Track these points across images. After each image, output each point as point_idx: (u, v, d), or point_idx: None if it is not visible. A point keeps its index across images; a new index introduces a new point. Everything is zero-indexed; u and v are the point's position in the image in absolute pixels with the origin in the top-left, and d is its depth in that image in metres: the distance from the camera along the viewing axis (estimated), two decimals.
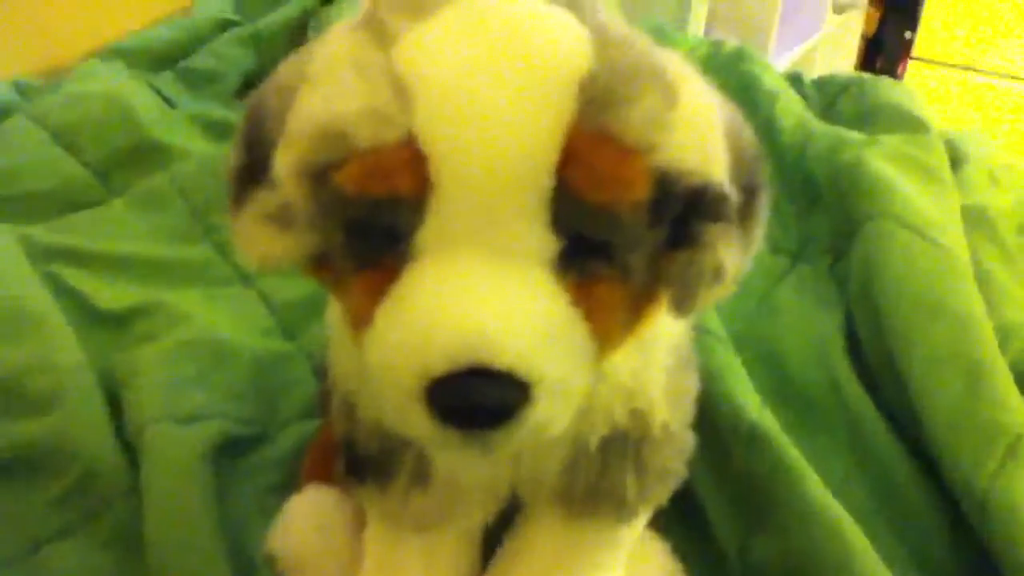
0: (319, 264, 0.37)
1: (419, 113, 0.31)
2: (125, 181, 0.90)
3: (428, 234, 0.33)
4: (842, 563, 0.52)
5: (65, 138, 0.91)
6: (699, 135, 0.34)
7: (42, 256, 0.78)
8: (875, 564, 0.52)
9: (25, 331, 0.68)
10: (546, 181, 0.32)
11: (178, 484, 0.58)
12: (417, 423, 0.33)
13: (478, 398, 0.32)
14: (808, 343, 0.72)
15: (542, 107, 0.31)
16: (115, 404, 0.65)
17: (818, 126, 0.93)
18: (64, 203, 0.86)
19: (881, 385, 0.67)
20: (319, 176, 0.33)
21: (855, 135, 0.88)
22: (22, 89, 0.99)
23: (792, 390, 0.68)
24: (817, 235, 0.84)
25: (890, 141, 0.85)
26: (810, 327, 0.74)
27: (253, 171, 0.36)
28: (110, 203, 0.88)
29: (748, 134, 0.38)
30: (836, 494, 0.56)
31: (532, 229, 0.33)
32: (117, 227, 0.85)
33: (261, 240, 0.36)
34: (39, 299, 0.72)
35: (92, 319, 0.74)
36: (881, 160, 0.81)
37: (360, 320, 0.35)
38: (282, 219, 0.35)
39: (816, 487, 0.56)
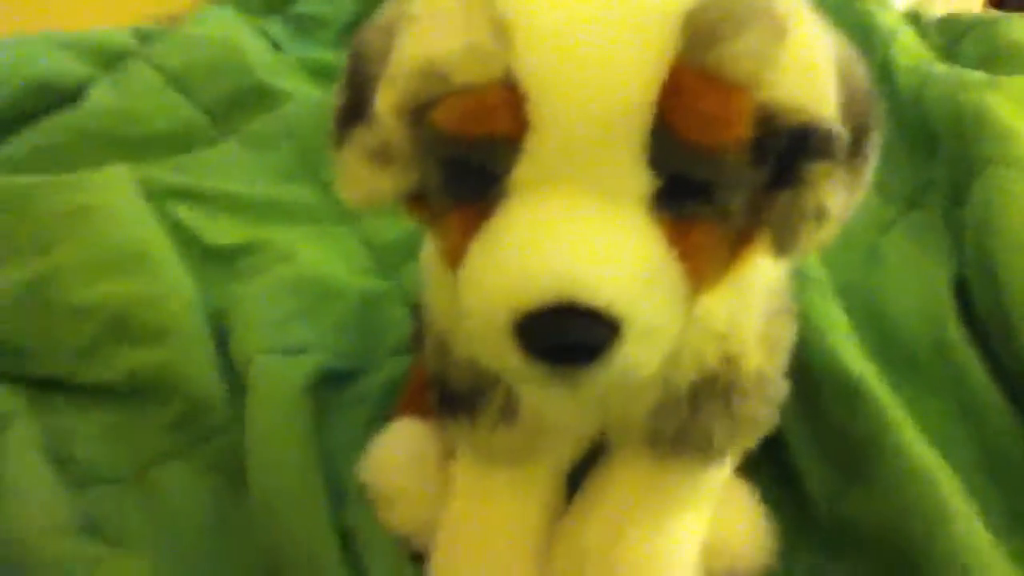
0: (418, 201, 0.38)
1: (518, 52, 0.31)
2: (236, 123, 0.93)
3: (524, 172, 0.33)
4: (938, 518, 0.51)
5: (180, 81, 0.94)
6: (808, 72, 0.33)
7: (157, 194, 0.81)
8: (975, 527, 0.51)
9: (139, 266, 0.72)
10: (645, 119, 0.31)
11: (280, 413, 0.60)
12: (507, 358, 0.34)
13: (568, 335, 0.32)
14: (917, 297, 0.69)
15: (643, 43, 0.31)
16: (223, 336, 0.69)
17: (937, 67, 0.88)
18: (179, 143, 0.90)
19: (994, 343, 0.64)
20: (418, 114, 0.34)
21: (977, 76, 0.83)
22: (140, 34, 1.03)
23: (896, 344, 0.66)
24: (933, 181, 0.80)
25: (1016, 83, 0.79)
26: (920, 280, 0.70)
27: (356, 109, 0.37)
28: (221, 144, 0.91)
29: (861, 71, 0.37)
30: (938, 451, 0.54)
31: (629, 168, 0.32)
32: (228, 167, 0.88)
33: (362, 177, 0.37)
34: (153, 236, 0.75)
35: (203, 254, 0.77)
36: (1005, 103, 0.76)
37: (455, 256, 0.36)
38: (382, 157, 0.36)
39: (918, 445, 0.54)
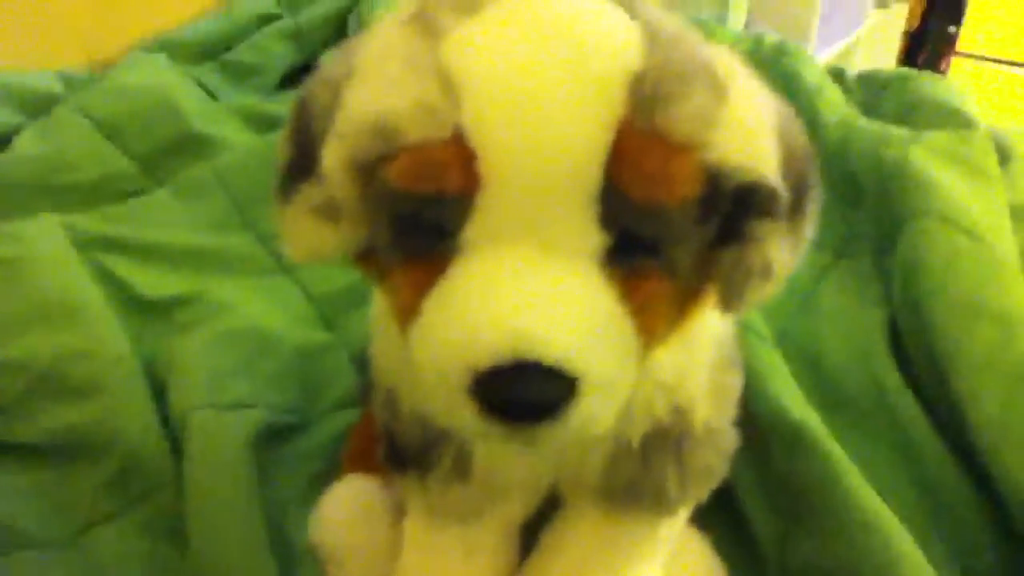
0: (365, 257, 0.38)
1: (468, 109, 0.31)
2: (168, 172, 0.90)
3: (476, 229, 0.33)
4: (887, 566, 0.52)
5: (110, 129, 0.92)
6: (749, 132, 0.34)
7: (87, 245, 0.79)
8: (922, 568, 0.52)
9: (70, 319, 0.69)
10: (595, 178, 0.32)
11: (220, 471, 0.58)
12: (462, 416, 0.33)
13: (524, 392, 0.32)
14: (851, 342, 0.71)
15: (592, 104, 0.31)
16: (159, 392, 0.66)
17: (861, 122, 0.92)
18: (109, 193, 0.87)
19: (926, 386, 0.66)
20: (368, 171, 0.33)
21: (899, 131, 0.86)
22: (67, 80, 1.00)
23: (835, 390, 0.68)
24: (860, 232, 0.83)
25: (935, 137, 0.83)
26: (853, 326, 0.73)
27: (301, 165, 0.36)
28: (154, 193, 0.88)
29: (799, 131, 0.38)
30: (881, 495, 0.55)
31: (580, 225, 0.33)
32: (160, 217, 0.85)
33: (308, 233, 0.37)
34: (84, 287, 0.73)
35: (136, 307, 0.75)
36: (926, 157, 0.79)
37: (406, 313, 0.35)
38: (329, 212, 0.36)
39: (860, 488, 0.56)
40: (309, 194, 0.36)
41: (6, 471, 0.63)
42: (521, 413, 0.33)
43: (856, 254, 0.82)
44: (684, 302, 0.37)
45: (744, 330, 0.64)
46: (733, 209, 0.34)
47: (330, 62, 0.37)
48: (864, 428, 0.64)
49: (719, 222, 0.35)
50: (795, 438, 0.58)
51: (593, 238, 0.33)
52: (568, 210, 0.32)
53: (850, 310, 0.74)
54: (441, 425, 0.39)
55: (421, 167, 0.32)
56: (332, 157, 0.34)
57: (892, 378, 0.66)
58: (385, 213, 0.34)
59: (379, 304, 0.45)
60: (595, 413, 0.34)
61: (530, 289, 0.32)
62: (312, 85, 0.37)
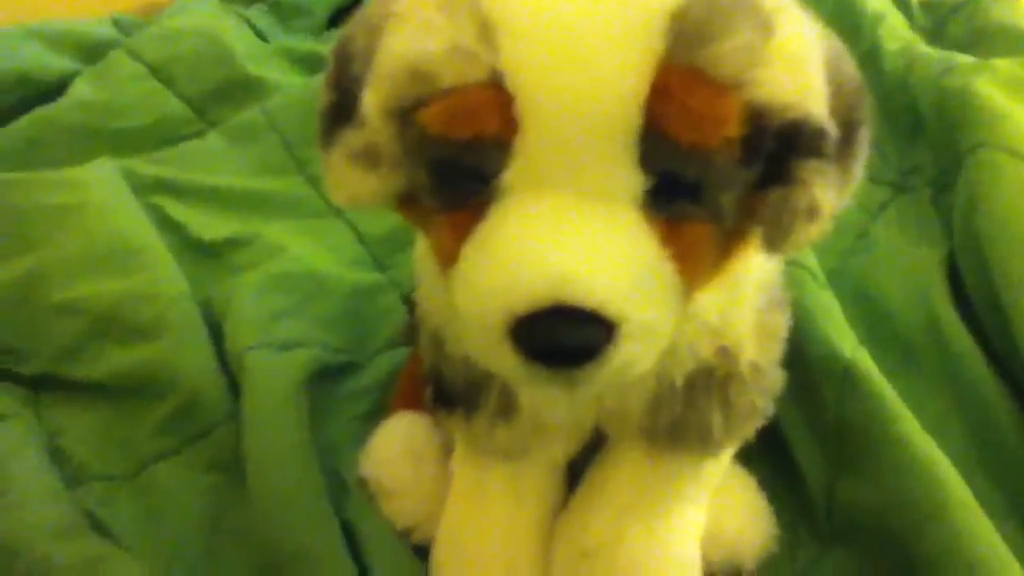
0: (407, 202, 0.38)
1: (505, 51, 0.31)
2: (220, 114, 0.92)
3: (514, 174, 0.33)
4: (937, 508, 0.51)
5: (162, 72, 0.93)
6: (796, 69, 0.33)
7: (144, 188, 0.80)
8: (972, 510, 0.51)
9: (130, 261, 0.71)
10: (635, 119, 0.31)
11: (275, 409, 0.60)
12: (503, 360, 0.34)
13: (563, 337, 0.32)
14: (907, 280, 0.69)
15: (631, 42, 0.31)
16: (216, 332, 0.68)
17: (924, 50, 0.88)
18: (163, 136, 0.89)
19: (984, 324, 0.64)
20: (405, 116, 0.33)
21: (964, 59, 0.82)
22: (121, 25, 1.02)
23: (889, 330, 0.66)
24: (920, 165, 0.79)
25: (1003, 65, 0.79)
26: (910, 263, 0.71)
27: (342, 110, 0.36)
28: (206, 136, 0.90)
29: (850, 66, 0.37)
30: (933, 437, 0.55)
31: (620, 168, 0.32)
32: (213, 160, 0.87)
33: (350, 178, 0.37)
34: (143, 230, 0.75)
35: (192, 250, 0.77)
36: (992, 85, 0.76)
37: (447, 258, 0.36)
38: (370, 158, 0.36)
39: (912, 430, 0.55)
40: (350, 139, 0.36)
41: (73, 409, 0.66)
42: (561, 357, 0.33)
43: (915, 189, 0.79)
44: (728, 245, 0.37)
45: (795, 268, 0.63)
46: (779, 149, 0.34)
47: (370, 5, 0.37)
48: (920, 369, 0.63)
49: (764, 162, 0.34)
50: (846, 378, 0.57)
51: (634, 181, 0.32)
52: (608, 153, 0.32)
53: (907, 247, 0.72)
54: (484, 367, 0.40)
55: (457, 111, 0.32)
56: (370, 102, 0.34)
57: (950, 318, 0.65)
58: (423, 159, 0.34)
59: (422, 247, 0.46)
60: (635, 357, 0.34)
61: (569, 233, 0.32)
62: (352, 28, 0.37)
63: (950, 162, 0.75)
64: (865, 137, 0.37)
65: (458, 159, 0.33)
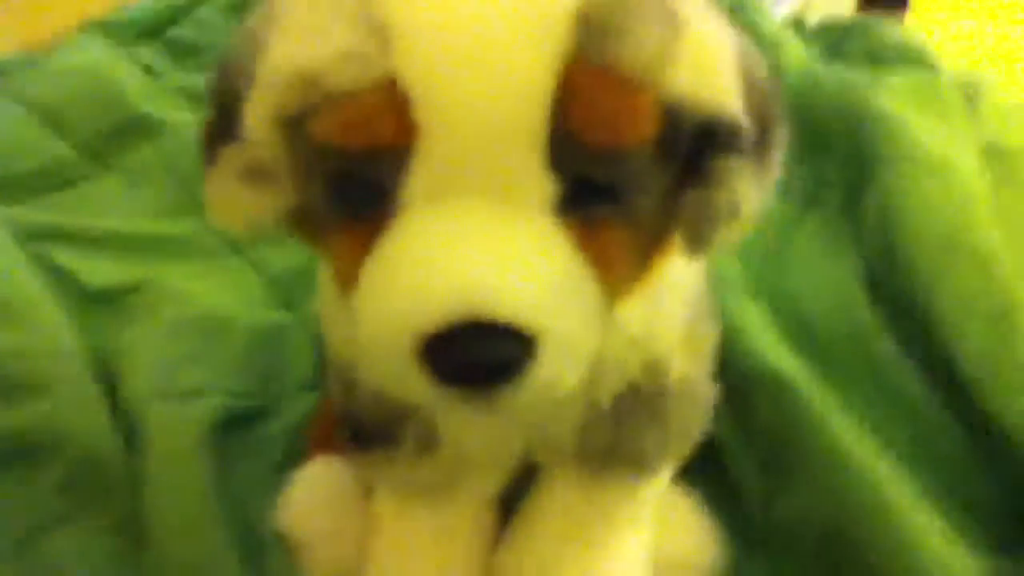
0: (300, 222, 0.35)
1: (399, 52, 0.29)
2: (112, 157, 0.88)
3: (415, 184, 0.30)
4: (877, 511, 0.50)
5: (48, 116, 0.89)
6: (708, 65, 0.32)
7: (29, 237, 0.76)
8: (914, 509, 0.51)
9: (12, 315, 0.66)
10: (543, 121, 0.29)
11: (179, 464, 0.56)
12: (414, 386, 0.31)
13: (478, 354, 0.30)
14: (827, 291, 0.69)
15: (535, 40, 0.29)
16: (111, 386, 0.63)
17: (823, 71, 0.90)
18: (50, 182, 0.84)
19: (905, 329, 0.65)
20: (293, 126, 0.31)
21: (862, 77, 0.85)
22: (2, 66, 0.96)
23: (814, 340, 0.65)
24: (829, 181, 0.81)
25: (900, 81, 0.82)
26: (828, 274, 0.71)
27: (224, 127, 0.34)
28: (97, 180, 0.86)
29: (761, 64, 0.36)
30: (868, 444, 0.54)
31: (529, 173, 0.30)
32: (105, 204, 0.83)
33: (236, 199, 0.34)
34: (26, 282, 0.70)
35: (83, 299, 0.72)
36: (891, 100, 0.78)
37: (348, 280, 0.33)
38: (256, 175, 0.33)
39: (847, 436, 0.54)
40: (233, 156, 0.34)
41: None
42: (477, 376, 0.30)
43: (826, 203, 0.80)
44: (648, 249, 0.35)
45: (719, 282, 0.62)
46: (695, 148, 0.32)
47: (252, 14, 0.34)
48: (847, 376, 0.62)
49: (680, 163, 0.32)
50: (778, 388, 0.57)
51: (544, 187, 0.30)
52: (515, 157, 0.30)
53: (824, 258, 0.73)
54: (400, 398, 0.37)
55: (350, 119, 0.29)
56: (255, 113, 0.32)
57: (871, 324, 0.65)
58: (316, 172, 0.32)
59: (323, 274, 0.43)
60: (557, 373, 0.32)
61: (478, 243, 0.30)
62: (233, 40, 0.34)
63: (858, 175, 0.77)
64: (781, 134, 0.36)
65: (353, 171, 0.31)
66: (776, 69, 0.89)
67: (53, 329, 0.66)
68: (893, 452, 0.55)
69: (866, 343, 0.64)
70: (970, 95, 0.86)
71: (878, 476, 0.52)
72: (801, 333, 0.65)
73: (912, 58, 0.92)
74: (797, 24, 1.09)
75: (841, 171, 0.80)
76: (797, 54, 0.95)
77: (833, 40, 1.04)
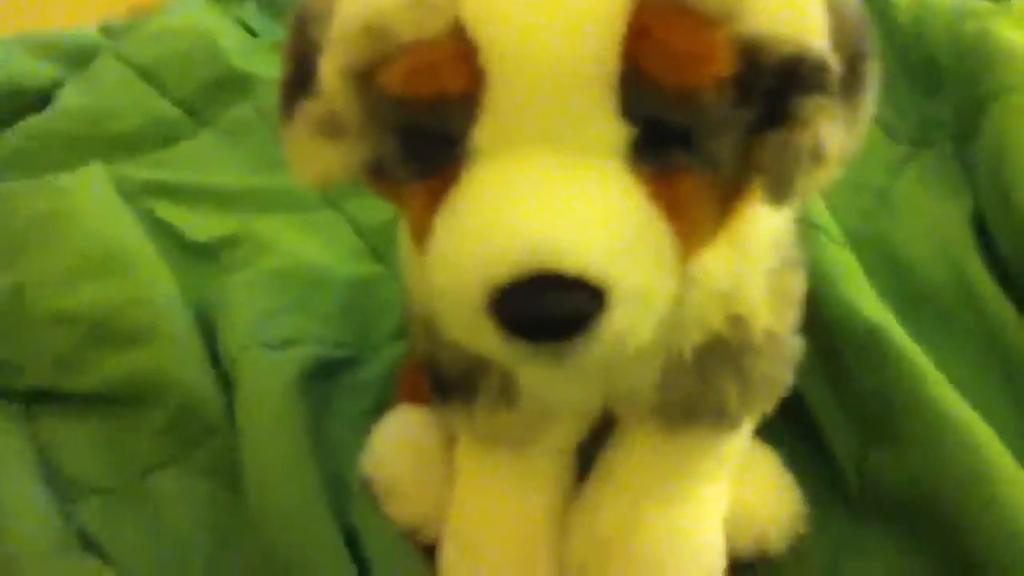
0: (376, 175, 0.35)
1: (466, 0, 0.28)
2: (212, 113, 0.90)
3: (485, 133, 0.30)
4: (976, 473, 0.48)
5: (150, 75, 0.92)
6: None
7: (135, 193, 0.79)
8: (1015, 474, 0.48)
9: (120, 267, 0.70)
10: (613, 63, 0.28)
11: (272, 410, 0.58)
12: (484, 339, 0.31)
13: (547, 307, 0.29)
14: (933, 238, 0.66)
15: None
16: (211, 335, 0.66)
17: None
18: (154, 139, 0.87)
19: (1016, 281, 0.61)
20: (365, 78, 0.31)
21: (979, 3, 0.79)
22: (107, 30, 1.00)
23: (915, 289, 0.63)
24: (941, 118, 0.76)
25: (1022, 5, 0.76)
26: (934, 220, 0.67)
27: (301, 80, 0.34)
28: (198, 136, 0.88)
29: None
30: (965, 397, 0.51)
31: (600, 118, 0.29)
32: (206, 159, 0.85)
33: (313, 152, 0.35)
34: (132, 235, 0.73)
35: (185, 252, 0.75)
36: (1011, 27, 0.72)
37: (422, 232, 0.33)
38: (332, 129, 0.34)
39: (945, 392, 0.51)
40: (310, 110, 0.34)
41: (67, 421, 0.64)
42: (546, 330, 0.30)
43: (937, 143, 0.75)
44: (727, 198, 0.34)
45: (811, 229, 0.60)
46: (777, 87, 0.30)
47: None
48: (949, 328, 0.60)
49: (762, 103, 0.31)
50: (870, 342, 0.54)
51: (616, 132, 0.29)
52: (585, 102, 0.29)
53: (931, 203, 0.69)
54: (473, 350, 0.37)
55: (418, 68, 0.29)
56: (328, 67, 0.32)
57: (979, 273, 0.61)
58: (388, 124, 0.32)
59: (403, 228, 0.43)
60: (630, 326, 0.31)
61: (548, 195, 0.29)
62: None
63: (972, 112, 0.72)
64: (872, 71, 0.34)
65: (424, 121, 0.31)
66: (884, 3, 0.84)
67: (157, 281, 0.69)
68: (995, 410, 0.52)
69: (972, 294, 0.60)
70: None
71: (979, 438, 0.49)
72: (902, 282, 0.63)
73: None
74: None
75: (953, 108, 0.75)
76: None
77: None
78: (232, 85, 0.91)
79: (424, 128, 0.31)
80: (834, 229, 0.62)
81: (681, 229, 0.31)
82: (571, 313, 0.29)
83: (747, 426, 0.48)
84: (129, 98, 0.89)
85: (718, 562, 0.47)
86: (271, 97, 0.88)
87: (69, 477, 0.61)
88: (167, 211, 0.78)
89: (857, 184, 0.70)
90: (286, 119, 0.36)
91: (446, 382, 0.47)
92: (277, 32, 1.02)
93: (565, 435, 0.50)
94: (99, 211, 0.75)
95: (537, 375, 0.44)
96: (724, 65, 0.29)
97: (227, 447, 0.59)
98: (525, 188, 0.30)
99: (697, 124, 0.30)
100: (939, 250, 0.64)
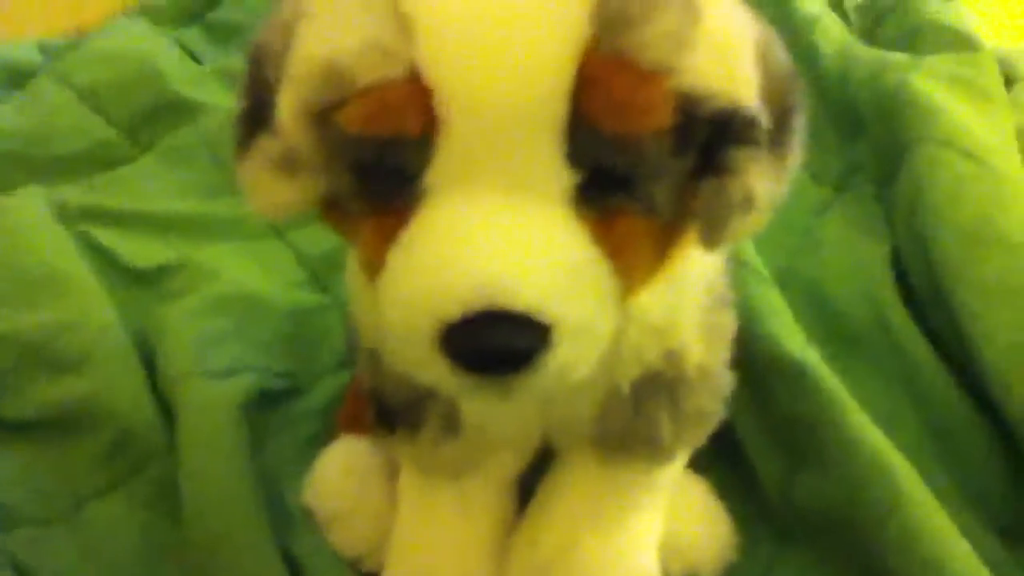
0: (330, 209, 0.36)
1: (422, 43, 0.30)
2: (153, 138, 0.89)
3: (438, 173, 0.31)
4: (891, 500, 0.50)
5: (91, 98, 0.90)
6: (725, 54, 0.32)
7: (73, 217, 0.78)
8: (926, 500, 0.51)
9: (56, 292, 0.69)
10: (560, 110, 0.30)
11: (212, 440, 0.58)
12: (434, 371, 0.32)
13: (494, 342, 0.31)
14: (854, 277, 0.69)
15: (553, 30, 0.30)
16: (150, 362, 0.66)
17: (860, 50, 0.89)
18: (94, 163, 0.86)
19: (931, 318, 0.65)
20: (322, 117, 0.32)
21: (899, 57, 0.83)
22: (47, 49, 0.99)
23: (837, 326, 0.66)
24: (862, 163, 0.80)
25: (937, 61, 0.80)
26: (856, 260, 0.71)
27: (257, 117, 0.35)
28: (139, 161, 0.87)
29: (781, 53, 0.36)
30: (885, 431, 0.54)
31: (547, 163, 0.31)
32: (147, 185, 0.84)
33: (268, 187, 0.35)
34: (70, 260, 0.72)
35: (124, 277, 0.74)
36: (927, 81, 0.76)
37: (373, 266, 0.34)
38: (288, 164, 0.34)
39: (862, 423, 0.54)
40: (266, 146, 0.35)
41: (2, 449, 0.63)
42: (494, 364, 0.31)
43: (858, 187, 0.79)
44: (664, 240, 0.36)
45: (741, 268, 0.63)
46: (711, 138, 0.33)
47: (283, 6, 0.35)
48: (869, 364, 0.63)
49: (697, 152, 0.33)
50: (796, 376, 0.57)
51: (562, 176, 0.31)
52: (534, 147, 0.31)
53: (853, 244, 0.72)
54: (423, 382, 0.38)
55: (376, 110, 0.30)
56: (286, 106, 0.33)
57: (897, 312, 0.65)
58: (344, 161, 0.33)
59: (353, 260, 0.44)
60: (572, 361, 0.33)
61: (497, 234, 0.31)
62: (264, 31, 0.36)
63: (891, 159, 0.76)
64: (799, 124, 0.36)
65: (380, 159, 0.32)
66: (811, 51, 0.88)
67: (96, 306, 0.68)
68: (911, 442, 0.55)
69: (890, 332, 0.64)
70: (1011, 74, 0.84)
71: (895, 467, 0.52)
72: (825, 320, 0.66)
73: (953, 37, 0.90)
74: (835, 1, 1.07)
75: (874, 154, 0.79)
76: (835, 33, 0.94)
77: (874, 18, 1.02)
78: (174, 110, 0.91)
79: (379, 165, 0.32)
80: (762, 268, 0.65)
81: (622, 268, 0.33)
82: (518, 348, 0.31)
83: (681, 457, 0.50)
84: (68, 120, 0.88)
85: None
86: (214, 124, 0.89)
87: (2, 506, 0.59)
88: (106, 236, 0.77)
89: (784, 224, 0.74)
90: (241, 153, 0.36)
91: (391, 412, 0.48)
92: (220, 58, 1.02)
93: (506, 466, 0.51)
94: (36, 234, 0.74)
95: (481, 407, 0.45)
96: (663, 116, 0.31)
97: (165, 476, 0.59)
98: (476, 227, 0.31)
99: (638, 170, 0.32)
100: (861, 288, 0.68)
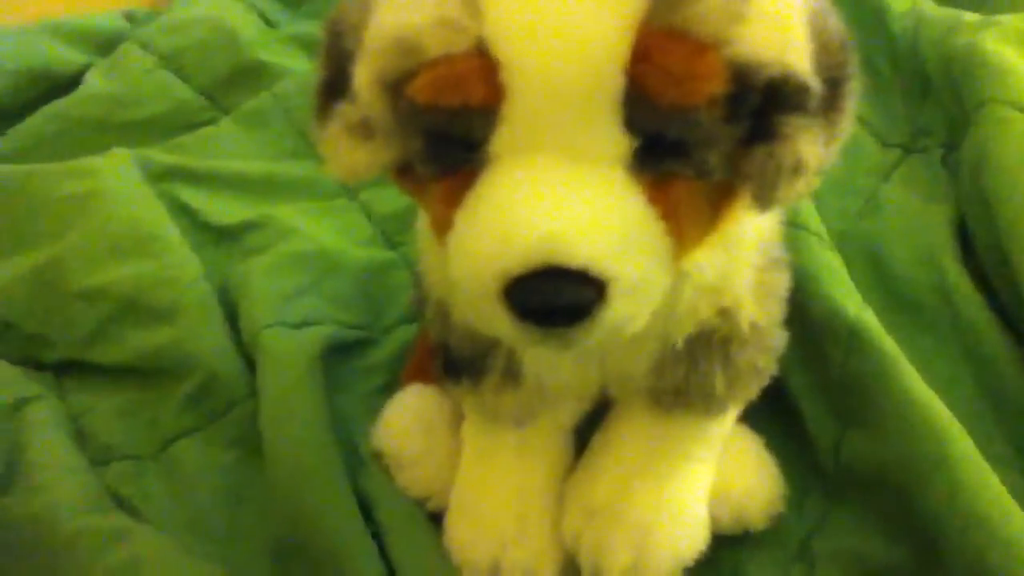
0: (403, 173, 0.39)
1: (489, 19, 0.32)
2: (232, 101, 0.93)
3: (502, 140, 0.33)
4: (939, 462, 0.51)
5: (174, 62, 0.95)
6: (778, 25, 0.33)
7: (158, 176, 0.82)
8: (977, 464, 0.51)
9: (148, 248, 0.73)
10: (618, 82, 0.32)
11: (292, 385, 0.61)
12: (498, 323, 0.35)
13: (555, 297, 0.33)
14: (917, 241, 0.69)
15: (611, 6, 0.31)
16: (232, 314, 0.70)
17: (932, 9, 0.87)
18: (176, 125, 0.91)
19: (995, 285, 0.64)
20: (395, 88, 0.34)
21: (971, 17, 0.81)
22: (131, 17, 1.03)
23: (897, 291, 0.66)
24: (929, 126, 0.79)
25: (1010, 20, 0.78)
26: (919, 224, 0.70)
27: (336, 85, 0.37)
28: (219, 123, 0.91)
29: (835, 21, 0.37)
30: (943, 397, 0.54)
31: (605, 130, 0.33)
32: (227, 145, 0.88)
33: (346, 152, 0.38)
34: (158, 217, 0.77)
35: (206, 234, 0.79)
36: (998, 41, 0.75)
37: (442, 227, 0.37)
38: (364, 131, 0.37)
39: (916, 385, 0.55)
40: (345, 113, 0.37)
41: (96, 392, 0.68)
42: (553, 317, 0.34)
43: (926, 150, 0.78)
44: (718, 203, 0.37)
45: (798, 230, 0.63)
46: (764, 105, 0.34)
47: None
48: (928, 329, 0.63)
49: (750, 119, 0.34)
50: (850, 336, 0.57)
51: (619, 143, 0.33)
52: (592, 116, 0.33)
53: (917, 208, 0.72)
54: (487, 334, 0.41)
55: (444, 81, 0.32)
56: (362, 76, 0.35)
57: (958, 278, 0.64)
58: (415, 129, 0.35)
59: (423, 220, 0.47)
60: (627, 315, 0.35)
61: (558, 196, 0.33)
62: (343, 5, 0.38)
63: (959, 121, 0.74)
64: (852, 92, 0.37)
65: (447, 128, 0.34)
66: (882, 10, 0.87)
67: (183, 262, 0.73)
68: (967, 406, 0.56)
69: (952, 296, 0.63)
70: None
71: (944, 427, 0.52)
72: (884, 283, 0.66)
73: None
74: None
75: (942, 117, 0.78)
76: None
77: None
78: (251, 74, 0.95)
79: (447, 133, 0.34)
80: (822, 231, 0.66)
81: (676, 230, 0.35)
82: (576, 302, 0.33)
83: (733, 411, 0.52)
84: (151, 85, 0.93)
85: (702, 533, 0.51)
86: (289, 87, 0.92)
87: (99, 443, 0.65)
88: (189, 195, 0.81)
89: (848, 188, 0.73)
90: (321, 120, 0.39)
91: (456, 363, 0.51)
92: (294, 23, 1.05)
93: (564, 415, 0.54)
94: (127, 193, 0.78)
95: (541, 358, 0.48)
96: (717, 86, 0.32)
97: (248, 419, 0.63)
98: (537, 190, 0.33)
99: (691, 137, 0.33)
100: (922, 253, 0.68)
